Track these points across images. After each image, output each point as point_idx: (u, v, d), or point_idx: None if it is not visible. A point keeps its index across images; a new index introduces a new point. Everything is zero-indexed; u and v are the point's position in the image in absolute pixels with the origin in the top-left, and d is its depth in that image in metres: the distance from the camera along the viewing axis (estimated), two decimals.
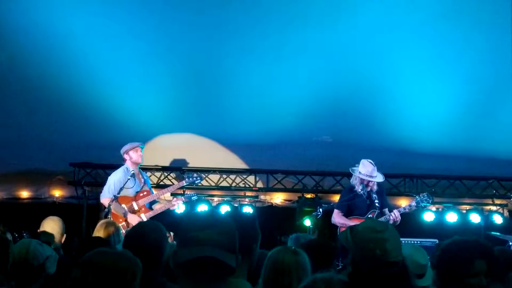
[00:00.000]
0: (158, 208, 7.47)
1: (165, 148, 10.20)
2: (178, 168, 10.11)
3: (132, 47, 9.78)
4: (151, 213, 7.35)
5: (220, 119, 10.13)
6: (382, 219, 6.91)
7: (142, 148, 7.48)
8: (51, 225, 5.34)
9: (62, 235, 5.35)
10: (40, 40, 9.49)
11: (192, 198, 7.80)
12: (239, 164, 10.60)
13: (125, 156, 7.49)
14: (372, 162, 7.14)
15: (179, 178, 9.75)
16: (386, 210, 7.24)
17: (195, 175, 7.76)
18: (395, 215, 7.05)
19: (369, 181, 7.04)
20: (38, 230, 5.30)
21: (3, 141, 10.00)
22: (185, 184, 7.73)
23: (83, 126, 10.10)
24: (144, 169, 8.20)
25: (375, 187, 7.15)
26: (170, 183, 9.96)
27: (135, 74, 9.92)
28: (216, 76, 10.04)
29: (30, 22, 9.44)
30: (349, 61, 9.76)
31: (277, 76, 9.97)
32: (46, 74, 9.69)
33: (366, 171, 7.05)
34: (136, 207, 7.30)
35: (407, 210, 7.27)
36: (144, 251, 3.07)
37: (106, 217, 7.01)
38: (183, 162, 10.32)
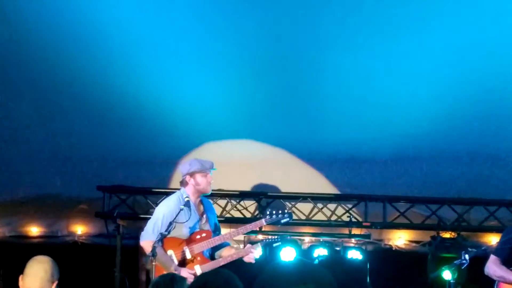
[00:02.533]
0: (223, 257, 7.29)
1: (234, 165, 10.25)
2: (253, 193, 10.25)
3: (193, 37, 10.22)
4: (210, 265, 7.16)
5: (311, 127, 10.32)
6: None
7: (212, 170, 7.39)
8: (35, 271, 5.18)
9: (51, 284, 5.23)
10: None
11: (274, 245, 7.83)
12: (340, 188, 10.66)
13: (187, 179, 7.30)
14: None
15: (256, 209, 10.14)
16: None
17: (280, 212, 7.46)
18: None
19: None
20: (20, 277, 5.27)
21: (6, 157, 10.41)
22: (264, 224, 7.43)
23: (117, 134, 10.39)
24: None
25: None
26: (239, 214, 10.24)
27: (189, 70, 10.26)
28: (304, 69, 10.25)
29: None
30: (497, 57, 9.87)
31: (396, 69, 10.17)
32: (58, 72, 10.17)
33: None
34: (188, 255, 7.11)
35: None
36: None
37: (147, 266, 6.94)
38: (259, 185, 10.53)
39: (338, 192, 10.57)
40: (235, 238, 8.93)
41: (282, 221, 7.43)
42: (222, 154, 10.18)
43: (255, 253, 7.26)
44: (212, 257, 7.28)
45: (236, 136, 10.58)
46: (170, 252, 7.04)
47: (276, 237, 7.75)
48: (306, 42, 10.16)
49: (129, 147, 10.38)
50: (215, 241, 7.22)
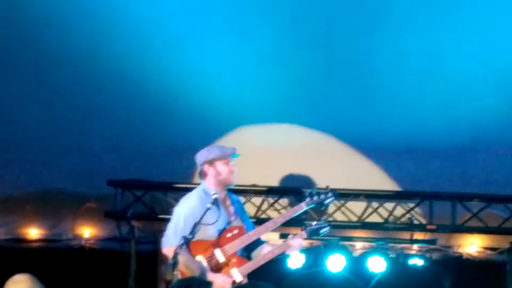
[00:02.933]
0: (262, 256, 7.25)
1: (271, 154, 10.36)
2: (294, 189, 9.92)
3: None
4: (249, 266, 7.14)
5: (367, 110, 10.24)
6: None
7: (234, 157, 7.38)
8: None
9: None
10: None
11: (321, 231, 7.46)
12: (400, 183, 10.55)
13: (206, 169, 7.29)
14: None
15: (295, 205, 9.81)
16: None
17: (322, 191, 7.48)
18: None
19: None
20: None
21: (3, 147, 10.46)
22: (305, 208, 7.39)
23: (131, 119, 10.39)
24: (235, 191, 7.83)
25: None
26: (278, 215, 10.06)
27: (220, 43, 10.26)
28: (357, 40, 10.17)
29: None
30: None
31: (470, 43, 10.04)
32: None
33: None
34: (221, 258, 7.07)
35: None
36: None
37: (168, 277, 6.76)
38: (301, 180, 10.25)
39: (398, 189, 10.46)
40: (271, 242, 8.43)
41: (326, 201, 7.41)
42: (258, 142, 10.26)
43: (295, 243, 7.23)
44: (249, 257, 7.24)
45: (276, 119, 10.52)
46: (199, 257, 6.98)
47: (321, 222, 7.59)
48: (359, 8, 10.07)
49: (147, 134, 10.38)
50: (249, 237, 7.15)
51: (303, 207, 7.37)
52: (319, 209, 7.87)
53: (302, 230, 7.45)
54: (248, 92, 10.28)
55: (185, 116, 10.24)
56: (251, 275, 7.15)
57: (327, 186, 7.65)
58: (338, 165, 10.47)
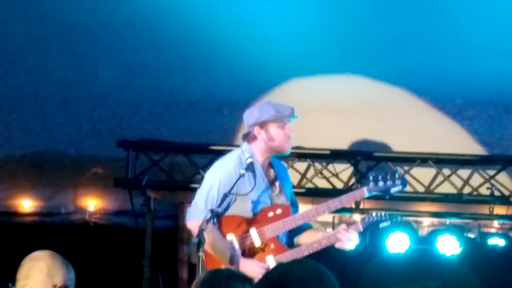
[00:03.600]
0: (307, 245, 7.34)
1: (324, 110, 10.32)
2: (348, 153, 10.12)
3: None
4: (290, 255, 7.21)
5: (446, 56, 10.22)
6: None
7: (292, 119, 7.47)
8: (25, 272, 5.46)
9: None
10: None
11: (381, 224, 7.62)
12: (477, 146, 10.49)
13: (256, 132, 7.28)
14: None
15: (352, 177, 10.11)
16: None
17: (389, 177, 7.46)
18: None
19: None
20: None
21: None
22: (367, 195, 7.48)
23: (152, 66, 10.44)
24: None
25: None
26: (327, 184, 10.18)
27: None
28: None
29: None
30: None
31: None
32: None
33: None
34: (257, 242, 7.15)
35: None
36: None
37: (192, 259, 7.35)
38: (358, 142, 10.42)
39: (479, 152, 10.36)
40: (319, 219, 8.68)
41: (393, 189, 7.39)
42: (310, 95, 10.22)
43: (348, 234, 7.23)
44: (290, 245, 7.33)
45: (335, 70, 10.46)
46: (230, 236, 7.02)
47: (382, 214, 7.54)
48: None
49: (170, 83, 10.38)
50: (295, 220, 7.18)
51: (364, 192, 7.40)
52: (386, 195, 7.63)
53: (359, 222, 7.52)
54: (302, 38, 10.29)
55: (222, 63, 10.21)
56: None
57: (397, 170, 8.23)
58: (407, 123, 10.51)
